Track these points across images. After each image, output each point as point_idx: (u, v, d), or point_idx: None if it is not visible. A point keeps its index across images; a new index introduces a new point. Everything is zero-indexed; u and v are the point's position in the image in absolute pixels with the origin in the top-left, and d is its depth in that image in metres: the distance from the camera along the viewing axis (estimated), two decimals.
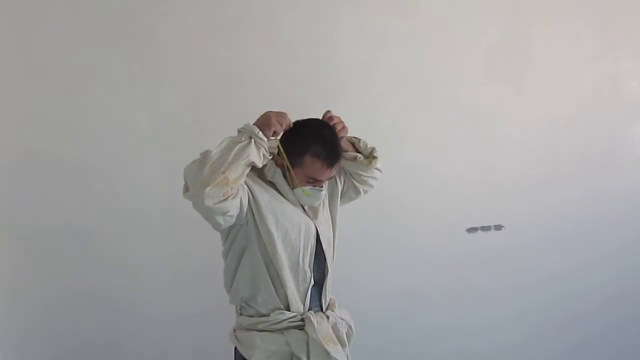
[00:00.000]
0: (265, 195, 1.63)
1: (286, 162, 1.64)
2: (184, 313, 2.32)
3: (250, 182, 1.60)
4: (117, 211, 2.24)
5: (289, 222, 1.65)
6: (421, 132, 2.55)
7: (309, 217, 1.73)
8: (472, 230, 2.68)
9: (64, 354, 2.24)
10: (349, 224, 2.48)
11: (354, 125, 2.42)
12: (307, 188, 1.66)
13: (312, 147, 1.62)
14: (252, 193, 1.59)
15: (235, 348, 1.73)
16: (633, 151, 2.88)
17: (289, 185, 1.69)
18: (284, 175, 1.69)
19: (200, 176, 1.43)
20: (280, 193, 1.69)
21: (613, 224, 2.88)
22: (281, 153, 1.63)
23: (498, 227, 2.70)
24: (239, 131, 1.55)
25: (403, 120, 2.52)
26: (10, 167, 2.13)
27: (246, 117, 1.65)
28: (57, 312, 2.23)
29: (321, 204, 1.80)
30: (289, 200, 1.69)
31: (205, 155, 1.46)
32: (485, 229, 2.69)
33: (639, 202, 2.91)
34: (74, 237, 2.20)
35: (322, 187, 1.69)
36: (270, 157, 1.62)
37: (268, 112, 1.60)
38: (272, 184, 1.69)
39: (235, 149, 1.48)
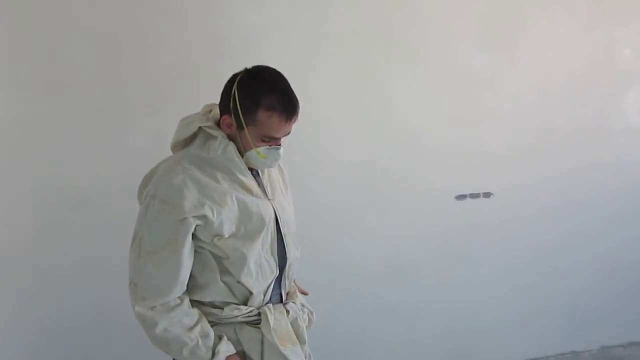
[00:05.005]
0: (228, 215, 1.44)
1: (237, 122, 1.43)
2: None
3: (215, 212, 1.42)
4: (106, 177, 2.22)
5: (248, 219, 1.48)
6: (411, 100, 2.54)
7: (267, 197, 1.55)
8: (460, 197, 2.68)
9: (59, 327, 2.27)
10: (336, 191, 2.50)
11: (345, 92, 2.44)
12: (262, 149, 1.46)
13: (264, 100, 1.41)
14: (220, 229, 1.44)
15: None
16: (625, 121, 2.86)
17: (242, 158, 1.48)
18: (239, 150, 1.48)
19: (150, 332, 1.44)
20: (234, 174, 1.47)
21: (604, 193, 2.87)
22: (234, 112, 1.42)
23: (487, 195, 2.71)
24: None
25: (393, 88, 2.50)
26: (6, 134, 2.12)
27: None
28: (52, 279, 2.25)
29: (282, 188, 1.66)
30: (244, 184, 1.49)
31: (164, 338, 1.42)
32: (474, 196, 2.70)
33: (630, 172, 2.90)
34: (65, 203, 2.21)
35: (279, 145, 1.49)
36: (214, 124, 1.47)
37: None
38: (222, 166, 1.46)
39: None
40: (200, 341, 1.43)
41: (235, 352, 1.49)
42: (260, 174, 1.58)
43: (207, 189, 1.42)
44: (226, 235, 1.45)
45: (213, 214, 1.41)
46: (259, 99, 1.41)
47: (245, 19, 2.28)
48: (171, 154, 1.59)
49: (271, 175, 1.62)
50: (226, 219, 1.44)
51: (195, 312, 1.47)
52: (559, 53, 2.71)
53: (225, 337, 1.49)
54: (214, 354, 1.44)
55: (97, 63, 2.17)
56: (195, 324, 1.45)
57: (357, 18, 2.41)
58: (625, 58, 2.80)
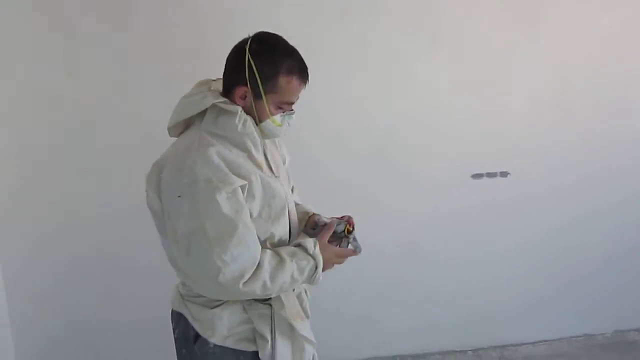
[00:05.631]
0: (255, 192, 1.41)
1: (254, 91, 1.39)
2: None
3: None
4: (117, 148, 2.24)
5: (272, 198, 1.45)
6: (430, 75, 2.49)
7: (274, 175, 1.52)
8: (477, 176, 2.64)
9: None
10: (349, 168, 2.48)
11: (362, 66, 2.39)
12: (277, 117, 1.43)
13: (283, 65, 1.38)
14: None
15: (181, 316, 1.52)
16: None
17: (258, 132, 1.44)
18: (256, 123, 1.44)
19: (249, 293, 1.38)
20: (249, 150, 1.43)
21: (623, 173, 2.81)
22: (250, 81, 1.37)
23: (504, 174, 2.67)
24: (302, 259, 1.44)
25: (412, 63, 2.46)
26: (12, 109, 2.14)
27: None
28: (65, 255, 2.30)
29: (281, 159, 1.63)
30: (257, 161, 1.44)
31: (267, 283, 1.38)
32: (491, 175, 2.66)
33: None
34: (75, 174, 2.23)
35: (292, 110, 1.48)
36: (228, 103, 1.39)
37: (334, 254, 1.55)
38: (238, 142, 1.41)
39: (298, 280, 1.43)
40: (294, 260, 1.43)
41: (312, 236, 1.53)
42: (264, 150, 1.52)
43: (234, 166, 1.37)
44: (254, 215, 1.41)
45: (245, 188, 1.37)
46: (278, 65, 1.38)
47: None
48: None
49: (272, 151, 1.57)
50: (256, 196, 1.41)
51: (265, 250, 1.42)
52: (581, 29, 2.62)
53: (299, 238, 1.52)
54: (312, 256, 1.46)
55: (111, 35, 2.17)
56: (279, 254, 1.43)
57: None
58: None
